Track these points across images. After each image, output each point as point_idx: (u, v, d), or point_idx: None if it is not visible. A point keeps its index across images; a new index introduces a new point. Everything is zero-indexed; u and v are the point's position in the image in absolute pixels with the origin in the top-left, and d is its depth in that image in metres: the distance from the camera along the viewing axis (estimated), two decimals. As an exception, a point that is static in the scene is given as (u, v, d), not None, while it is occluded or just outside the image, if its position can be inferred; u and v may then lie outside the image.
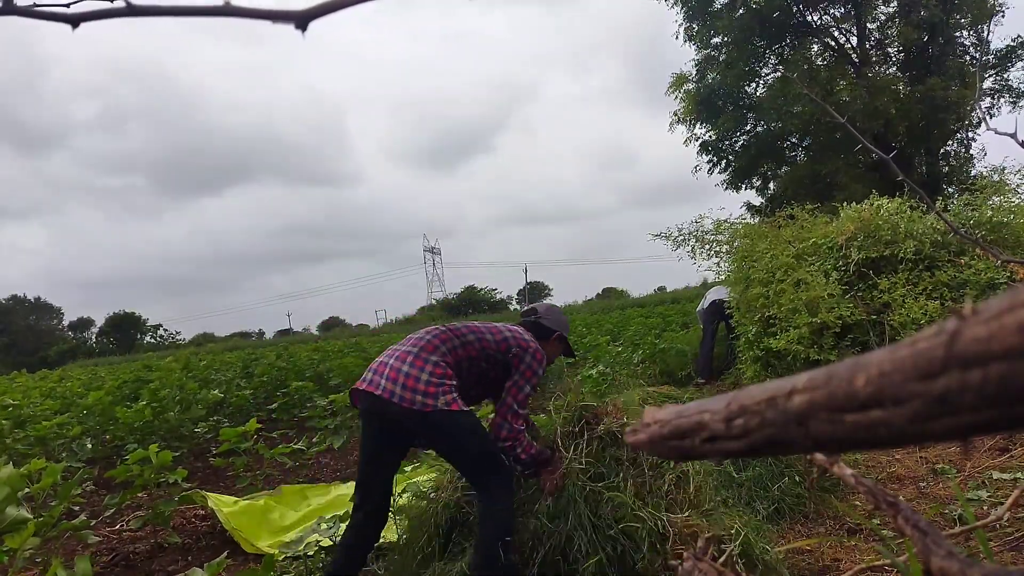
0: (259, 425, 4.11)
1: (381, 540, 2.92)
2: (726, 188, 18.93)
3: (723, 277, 6.23)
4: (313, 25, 0.38)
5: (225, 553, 2.25)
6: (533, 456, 2.19)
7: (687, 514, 2.15)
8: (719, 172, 18.90)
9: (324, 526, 2.67)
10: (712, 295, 6.74)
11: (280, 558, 2.79)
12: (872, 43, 17.77)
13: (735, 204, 20.76)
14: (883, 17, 17.53)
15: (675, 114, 18.22)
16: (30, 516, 2.20)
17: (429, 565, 2.31)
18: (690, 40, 17.77)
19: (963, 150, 17.35)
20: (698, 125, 18.21)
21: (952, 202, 5.47)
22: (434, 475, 3.16)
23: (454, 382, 2.11)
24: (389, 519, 2.79)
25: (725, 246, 6.14)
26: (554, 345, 2.50)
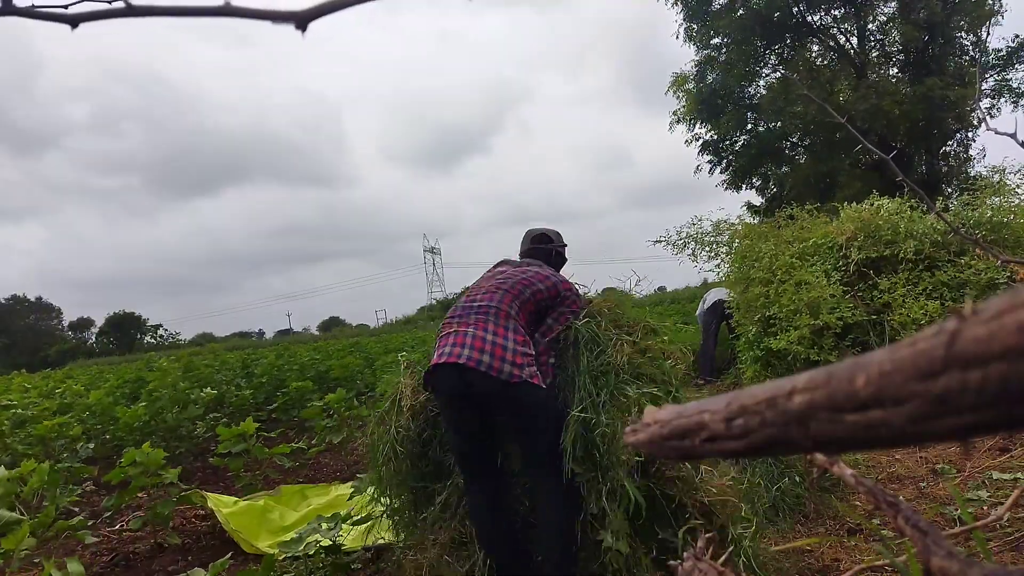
0: (257, 425, 4.10)
1: (381, 541, 2.91)
2: (726, 188, 18.94)
3: (723, 278, 6.23)
4: (310, 26, 0.38)
5: (229, 555, 2.25)
6: None
7: (722, 478, 2.11)
8: (719, 172, 18.91)
9: (324, 526, 2.67)
10: (712, 296, 6.74)
11: (280, 558, 2.79)
12: (873, 43, 17.76)
13: (735, 204, 20.76)
14: (883, 17, 17.52)
15: (675, 114, 18.24)
16: (23, 517, 2.19)
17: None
18: (690, 40, 17.77)
19: (963, 150, 17.34)
20: (698, 125, 18.22)
21: (952, 202, 5.48)
22: None
23: (533, 352, 2.08)
24: (386, 522, 2.70)
25: (725, 247, 6.14)
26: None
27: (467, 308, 2.15)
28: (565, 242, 2.66)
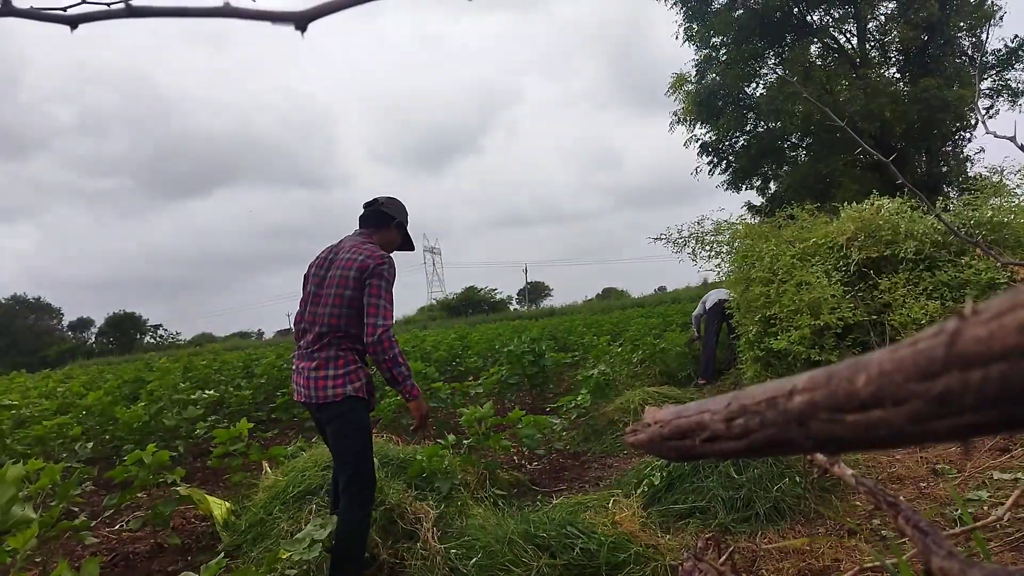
0: (251, 425, 4.09)
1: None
2: (726, 188, 18.93)
3: (724, 278, 6.23)
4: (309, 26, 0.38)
5: (223, 555, 2.25)
6: (408, 371, 2.40)
7: None
8: (719, 173, 18.89)
9: (322, 527, 2.66)
10: (713, 297, 6.74)
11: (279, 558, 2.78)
12: (872, 43, 17.76)
13: (734, 204, 20.73)
14: (882, 17, 17.52)
15: (675, 114, 18.24)
16: (34, 516, 2.20)
17: None
18: (689, 40, 17.76)
19: (962, 150, 17.34)
20: (698, 125, 18.21)
21: (952, 202, 5.48)
22: None
23: (358, 365, 2.38)
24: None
25: (726, 246, 6.14)
26: (393, 233, 2.66)
27: (308, 338, 2.44)
28: (401, 209, 2.70)
